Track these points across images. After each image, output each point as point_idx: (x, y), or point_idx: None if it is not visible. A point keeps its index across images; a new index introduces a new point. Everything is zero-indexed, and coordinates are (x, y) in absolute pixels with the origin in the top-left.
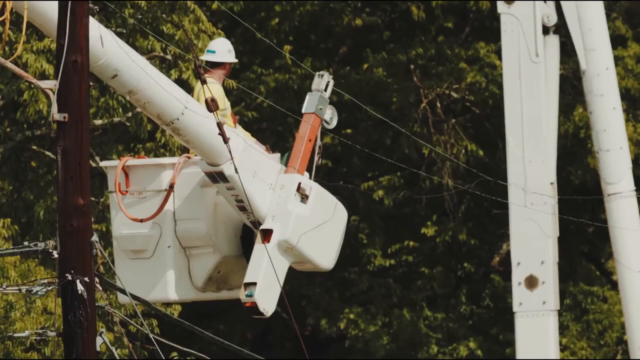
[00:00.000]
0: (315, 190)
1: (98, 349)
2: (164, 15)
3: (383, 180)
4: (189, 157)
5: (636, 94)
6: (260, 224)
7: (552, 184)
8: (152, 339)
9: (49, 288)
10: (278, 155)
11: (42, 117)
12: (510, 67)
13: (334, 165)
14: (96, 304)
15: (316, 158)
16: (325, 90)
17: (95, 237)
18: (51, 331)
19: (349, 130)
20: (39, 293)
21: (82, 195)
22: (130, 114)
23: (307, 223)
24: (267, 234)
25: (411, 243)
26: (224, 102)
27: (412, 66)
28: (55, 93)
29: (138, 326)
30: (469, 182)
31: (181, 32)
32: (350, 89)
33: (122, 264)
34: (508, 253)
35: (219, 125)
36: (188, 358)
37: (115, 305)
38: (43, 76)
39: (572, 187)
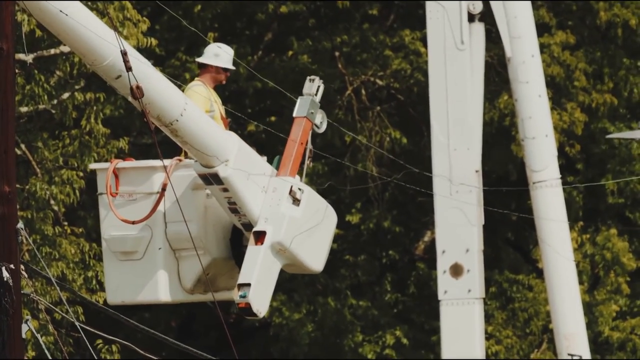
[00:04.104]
0: (306, 193)
1: (24, 336)
2: (89, 3)
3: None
4: (180, 160)
5: (562, 81)
6: (252, 226)
7: (477, 171)
8: (78, 327)
9: None
10: (265, 158)
11: None
12: (435, 55)
13: (258, 153)
14: (22, 292)
15: (307, 161)
16: (316, 94)
17: (20, 224)
18: None
19: (273, 118)
20: None
21: (7, 182)
22: (55, 102)
23: (299, 225)
24: (260, 236)
25: (336, 230)
26: (210, 105)
27: (337, 53)
28: None
29: (63, 314)
30: (393, 170)
31: (106, 20)
32: (275, 76)
33: (111, 266)
34: (433, 241)
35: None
36: (113, 345)
37: (41, 292)
38: None
39: (496, 175)
